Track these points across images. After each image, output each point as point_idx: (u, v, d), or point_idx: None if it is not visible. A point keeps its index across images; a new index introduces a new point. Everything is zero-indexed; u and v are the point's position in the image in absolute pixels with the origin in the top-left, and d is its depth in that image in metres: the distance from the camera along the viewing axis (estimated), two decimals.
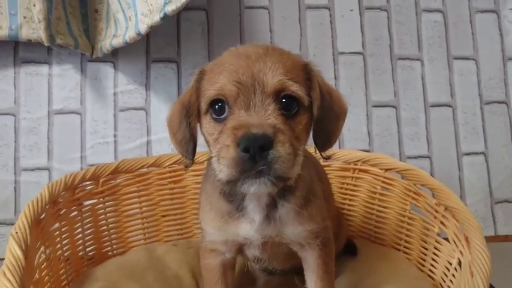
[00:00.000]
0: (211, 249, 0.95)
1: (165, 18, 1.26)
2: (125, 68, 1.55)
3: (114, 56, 1.54)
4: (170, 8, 1.22)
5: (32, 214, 0.94)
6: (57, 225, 1.07)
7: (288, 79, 0.76)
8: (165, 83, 1.56)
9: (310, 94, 0.81)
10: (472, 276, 0.92)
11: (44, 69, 1.52)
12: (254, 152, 0.68)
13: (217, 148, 0.74)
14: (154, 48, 1.56)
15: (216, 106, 0.78)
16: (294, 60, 0.82)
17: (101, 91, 1.53)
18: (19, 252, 0.84)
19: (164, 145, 1.54)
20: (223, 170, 0.71)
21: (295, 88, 0.76)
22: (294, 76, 0.77)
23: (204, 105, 0.80)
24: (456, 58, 1.67)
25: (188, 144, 0.88)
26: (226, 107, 0.77)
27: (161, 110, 1.55)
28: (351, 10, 1.64)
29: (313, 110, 0.81)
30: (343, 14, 1.64)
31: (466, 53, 1.68)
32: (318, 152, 0.87)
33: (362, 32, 1.64)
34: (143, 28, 1.26)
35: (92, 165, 1.48)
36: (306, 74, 0.82)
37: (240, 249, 0.95)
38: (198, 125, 0.86)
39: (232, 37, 1.59)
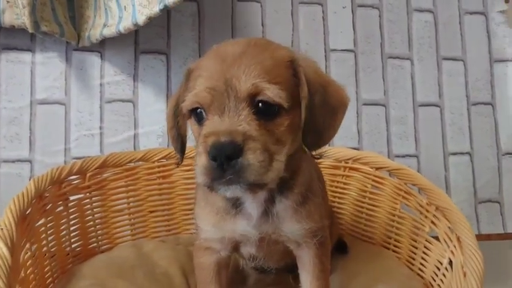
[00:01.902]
0: (205, 247, 0.93)
1: (164, 9, 1.22)
2: (112, 58, 1.50)
3: (101, 45, 1.49)
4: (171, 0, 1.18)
5: (17, 209, 0.90)
6: (42, 220, 1.03)
7: (264, 81, 0.72)
8: (154, 75, 1.52)
9: (297, 91, 0.77)
10: (465, 276, 0.93)
11: (26, 56, 1.46)
12: (221, 161, 0.68)
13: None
14: (144, 39, 1.52)
15: (197, 111, 0.77)
16: (277, 57, 0.77)
17: (87, 81, 1.48)
18: (5, 250, 0.80)
19: (152, 139, 1.50)
20: (198, 177, 0.72)
21: (271, 92, 0.72)
22: (273, 77, 0.73)
23: (185, 111, 0.79)
24: (445, 59, 1.68)
25: (177, 143, 0.88)
26: (203, 112, 0.75)
27: (149, 103, 1.51)
28: (344, 7, 1.64)
29: (301, 108, 0.78)
30: (335, 10, 1.63)
31: (455, 53, 1.70)
32: (308, 151, 0.83)
33: (354, 29, 1.64)
34: (141, 19, 1.22)
35: (77, 158, 1.44)
36: (293, 70, 0.78)
37: (235, 247, 0.93)
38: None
39: (224, 30, 1.56)
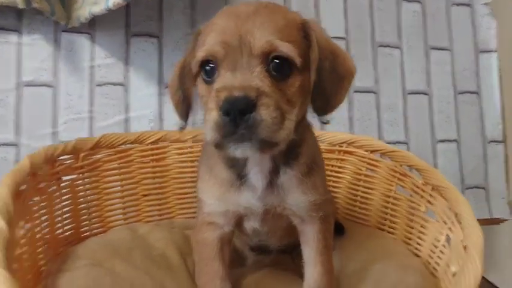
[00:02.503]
0: (208, 222, 0.91)
1: None
2: (102, 40, 1.46)
3: (91, 27, 1.45)
4: None
5: (13, 183, 0.86)
6: (37, 198, 0.99)
7: (277, 39, 0.72)
8: (146, 58, 1.49)
9: (308, 54, 0.77)
10: (466, 249, 0.95)
11: (13, 37, 1.40)
12: (234, 115, 0.66)
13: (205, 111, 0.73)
14: (135, 21, 1.48)
15: (207, 67, 0.76)
16: (289, 18, 0.78)
17: (76, 64, 1.44)
18: (3, 224, 0.76)
19: (143, 123, 1.47)
20: (207, 133, 0.70)
21: (285, 48, 0.72)
22: (286, 35, 0.73)
23: (194, 67, 0.78)
24: (433, 48, 1.72)
25: (182, 105, 0.87)
26: (216, 68, 0.74)
27: (141, 87, 1.48)
28: None
29: (311, 72, 0.78)
30: None
31: (442, 43, 1.73)
32: (316, 115, 0.84)
33: (345, 17, 1.65)
34: None
35: (65, 141, 1.39)
36: (304, 33, 0.78)
37: (239, 221, 0.92)
38: (194, 87, 0.84)
39: (217, 12, 1.54)
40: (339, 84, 0.81)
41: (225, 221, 0.90)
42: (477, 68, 1.75)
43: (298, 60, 0.73)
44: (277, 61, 0.73)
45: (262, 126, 0.67)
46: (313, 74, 0.78)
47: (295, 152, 0.86)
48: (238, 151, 0.70)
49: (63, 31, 1.43)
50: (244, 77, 0.70)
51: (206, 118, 0.70)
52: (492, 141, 1.72)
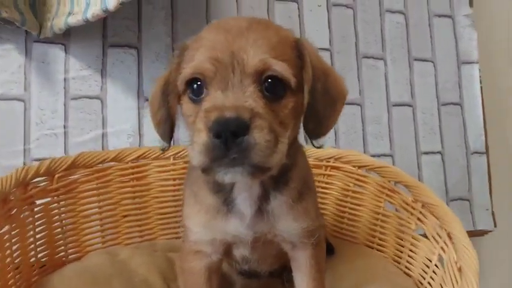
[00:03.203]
0: (195, 251, 0.86)
1: None
2: (77, 51, 1.38)
3: (66, 37, 1.37)
4: None
5: None
6: (6, 227, 0.91)
7: (272, 57, 0.68)
8: (124, 70, 1.42)
9: (301, 74, 0.73)
10: (460, 271, 0.93)
11: None
12: (226, 137, 0.61)
13: (192, 132, 0.67)
14: (112, 31, 1.41)
15: (194, 85, 0.71)
16: (283, 35, 0.73)
17: (49, 76, 1.36)
18: None
19: (122, 138, 1.40)
20: (195, 157, 0.65)
21: (280, 68, 0.68)
22: (280, 54, 0.69)
23: (180, 85, 0.73)
24: (416, 59, 1.71)
25: (165, 125, 0.81)
26: (204, 87, 0.69)
27: (119, 100, 1.41)
28: (319, 5, 1.62)
29: (304, 93, 0.74)
30: (311, 8, 1.61)
31: (425, 55, 1.73)
32: (308, 139, 0.80)
33: (329, 28, 1.62)
34: (112, 4, 1.12)
35: (38, 159, 1.32)
36: (297, 51, 0.74)
37: (227, 249, 0.87)
38: (179, 105, 0.78)
39: (198, 25, 1.47)
40: (332, 107, 0.77)
41: (212, 249, 0.85)
42: (459, 80, 1.75)
43: (292, 81, 0.70)
44: (270, 81, 0.69)
45: (256, 150, 0.62)
46: (307, 96, 0.74)
47: (286, 177, 0.81)
48: (228, 176, 0.65)
49: (34, 41, 1.35)
50: (237, 97, 0.65)
51: (194, 140, 0.65)
52: (475, 153, 1.73)
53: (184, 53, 0.76)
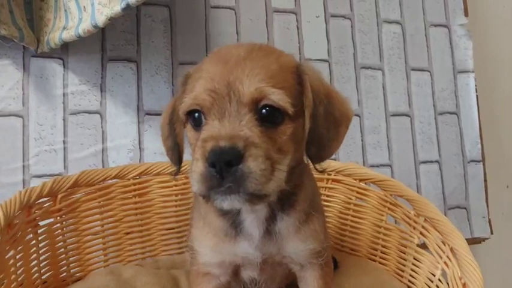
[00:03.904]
0: (204, 273, 0.86)
1: (127, 9, 1.10)
2: (76, 66, 1.37)
3: (64, 51, 1.35)
4: None
5: None
6: (11, 252, 0.90)
7: (269, 86, 0.68)
8: (123, 84, 1.41)
9: (302, 100, 0.74)
10: (464, 285, 0.94)
11: None
12: (220, 167, 0.63)
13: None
14: (111, 45, 1.40)
15: (195, 115, 0.73)
16: (283, 62, 0.74)
17: (48, 91, 1.34)
18: None
19: (122, 153, 1.39)
20: (193, 185, 0.67)
21: (276, 97, 0.68)
22: (278, 81, 0.69)
23: (182, 114, 0.75)
24: (413, 69, 1.72)
25: (174, 152, 0.83)
26: (203, 116, 0.71)
27: (118, 114, 1.40)
28: (317, 16, 1.62)
29: (305, 118, 0.74)
30: (309, 20, 1.61)
31: (422, 64, 1.74)
32: (311, 164, 0.81)
33: (327, 39, 1.63)
34: (101, 20, 1.10)
35: (37, 176, 1.31)
36: (298, 77, 0.75)
37: (236, 271, 0.87)
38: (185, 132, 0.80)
39: (197, 37, 1.48)
40: (335, 130, 0.77)
41: (221, 271, 0.85)
42: (455, 89, 1.77)
43: (289, 109, 0.69)
44: (267, 109, 0.69)
45: (250, 179, 0.64)
46: (308, 121, 0.74)
47: (292, 199, 0.82)
48: (226, 203, 0.66)
49: (32, 56, 1.33)
50: (232, 126, 0.66)
51: (192, 169, 0.67)
52: (472, 161, 1.75)
53: (188, 81, 0.77)
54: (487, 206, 1.74)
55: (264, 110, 0.69)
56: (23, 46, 1.30)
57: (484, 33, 1.82)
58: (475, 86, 1.77)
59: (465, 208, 1.72)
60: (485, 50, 1.81)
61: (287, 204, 0.81)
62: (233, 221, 0.81)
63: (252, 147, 0.65)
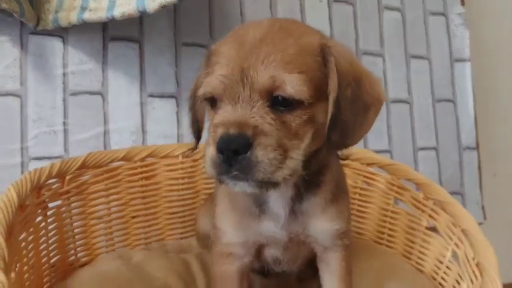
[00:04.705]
0: (227, 253, 0.85)
1: None
2: (77, 44, 1.31)
3: (64, 29, 1.29)
4: None
5: (4, 224, 0.74)
6: (24, 235, 0.86)
7: (285, 72, 0.66)
8: (126, 64, 1.36)
9: (326, 82, 0.71)
10: (478, 266, 0.95)
11: None
12: (228, 155, 0.63)
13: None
14: (113, 24, 1.34)
15: (210, 99, 0.73)
16: (304, 44, 0.70)
17: (47, 71, 1.28)
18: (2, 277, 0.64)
19: (125, 136, 1.35)
20: (206, 168, 0.67)
21: (291, 87, 0.66)
22: (296, 67, 0.67)
23: (199, 98, 0.75)
24: (413, 57, 1.74)
25: (194, 126, 0.84)
26: (218, 100, 0.71)
27: (121, 95, 1.35)
28: (320, 1, 1.61)
29: (328, 101, 0.71)
30: (313, 4, 1.60)
31: (421, 52, 1.76)
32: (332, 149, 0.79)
33: (330, 24, 1.62)
34: (152, 6, 1.05)
35: (36, 158, 1.26)
36: (322, 59, 0.71)
37: (259, 251, 0.86)
38: None
39: (201, 18, 1.45)
40: (364, 114, 0.73)
41: (244, 251, 0.85)
42: (452, 77, 1.79)
43: (306, 100, 0.67)
44: (281, 97, 0.67)
45: (258, 168, 0.64)
46: (331, 106, 0.70)
47: (318, 179, 0.81)
48: (237, 187, 0.67)
49: (30, 33, 1.27)
50: (244, 112, 0.66)
51: (205, 152, 0.67)
52: (467, 148, 1.78)
53: (208, 62, 0.76)
54: (481, 192, 1.78)
55: (279, 97, 0.67)
56: (21, 22, 1.24)
57: (481, 22, 1.85)
58: (471, 74, 1.80)
59: (461, 194, 1.76)
60: (481, 40, 1.84)
61: (313, 184, 0.80)
62: (257, 200, 0.81)
63: (261, 136, 0.64)
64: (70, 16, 1.17)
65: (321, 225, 0.82)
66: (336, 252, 0.87)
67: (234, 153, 0.63)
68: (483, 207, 1.78)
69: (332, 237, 0.84)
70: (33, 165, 1.24)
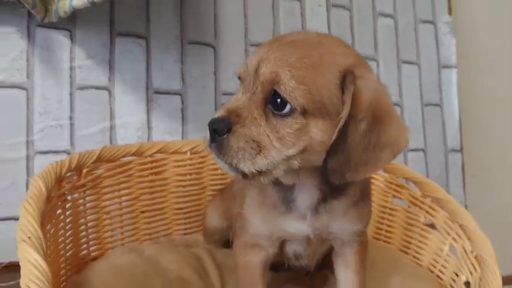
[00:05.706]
0: (252, 244, 0.87)
1: None
2: (84, 39, 1.31)
3: (71, 23, 1.29)
4: None
5: (37, 212, 0.74)
6: (48, 227, 0.86)
7: (288, 74, 0.67)
8: (132, 60, 1.36)
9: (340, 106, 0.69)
10: (477, 258, 1.01)
11: None
12: (211, 133, 0.70)
13: None
14: (120, 20, 1.35)
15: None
16: (325, 61, 0.69)
17: (54, 64, 1.27)
18: (41, 262, 0.65)
19: (130, 131, 1.35)
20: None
21: (288, 86, 0.67)
22: (303, 76, 0.67)
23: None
24: (404, 62, 1.82)
25: None
26: None
27: (127, 91, 1.36)
28: (319, 5, 1.66)
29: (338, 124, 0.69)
30: (312, 7, 1.65)
31: (411, 58, 1.84)
32: (324, 176, 0.72)
33: (328, 28, 1.67)
34: None
35: (42, 152, 1.26)
36: (341, 83, 0.69)
37: (282, 245, 0.89)
38: None
39: (206, 16, 1.47)
40: (375, 153, 0.70)
41: (269, 243, 0.87)
42: (440, 83, 1.88)
43: (297, 107, 0.67)
44: (276, 95, 0.69)
45: (227, 151, 0.69)
46: (336, 132, 0.68)
47: (345, 186, 0.82)
48: (216, 161, 0.72)
49: (37, 26, 1.26)
50: (242, 102, 0.71)
51: None
52: (452, 150, 1.87)
53: None
54: (464, 192, 1.88)
55: (274, 96, 0.69)
56: (28, 14, 1.23)
57: (467, 31, 1.95)
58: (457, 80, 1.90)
59: None
60: (466, 47, 1.94)
61: (340, 189, 0.82)
62: (285, 198, 0.83)
63: (239, 126, 0.69)
64: (65, 4, 1.15)
65: (342, 226, 0.85)
66: (353, 247, 0.91)
67: (213, 131, 0.69)
68: (466, 207, 1.87)
69: (351, 235, 0.88)
70: (38, 159, 1.24)
